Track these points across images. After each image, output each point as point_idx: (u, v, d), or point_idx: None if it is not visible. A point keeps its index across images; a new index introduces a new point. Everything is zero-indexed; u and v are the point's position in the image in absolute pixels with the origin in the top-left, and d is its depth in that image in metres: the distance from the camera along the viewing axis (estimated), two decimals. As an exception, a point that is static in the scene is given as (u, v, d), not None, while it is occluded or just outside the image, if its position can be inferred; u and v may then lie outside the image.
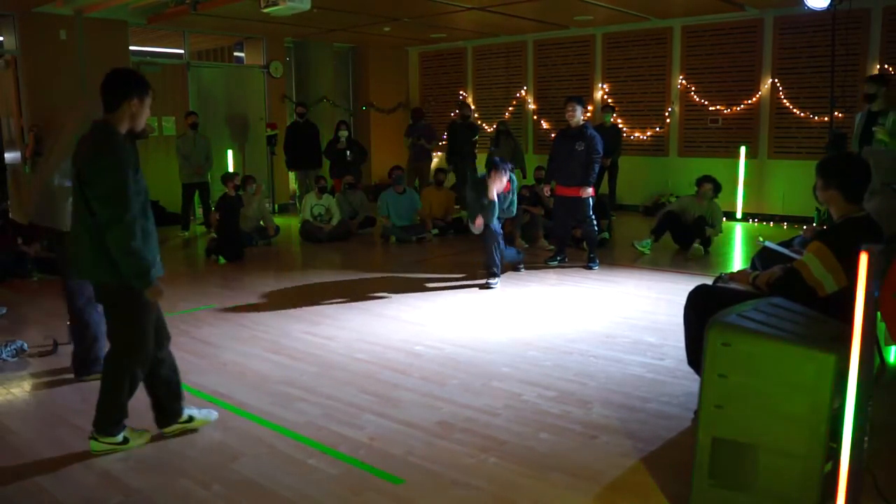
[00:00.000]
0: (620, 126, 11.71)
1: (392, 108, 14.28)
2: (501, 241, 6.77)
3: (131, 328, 3.22)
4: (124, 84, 3.14)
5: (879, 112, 7.37)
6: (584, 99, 7.85)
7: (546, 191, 7.72)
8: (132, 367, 3.26)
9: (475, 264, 7.66)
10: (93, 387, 4.07)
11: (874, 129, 7.14)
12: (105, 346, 4.15)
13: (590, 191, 7.27)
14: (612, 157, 10.66)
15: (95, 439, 3.28)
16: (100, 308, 4.11)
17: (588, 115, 8.70)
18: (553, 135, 8.19)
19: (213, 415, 3.59)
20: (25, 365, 4.58)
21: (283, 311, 5.81)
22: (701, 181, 8.29)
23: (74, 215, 3.19)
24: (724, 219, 8.75)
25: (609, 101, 11.85)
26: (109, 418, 3.29)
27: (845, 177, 3.23)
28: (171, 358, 3.46)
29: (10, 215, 4.23)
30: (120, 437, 3.31)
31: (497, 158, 6.80)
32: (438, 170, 10.79)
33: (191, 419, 3.49)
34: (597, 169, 7.27)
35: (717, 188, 8.27)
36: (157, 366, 3.37)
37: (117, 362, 3.27)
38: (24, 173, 9.40)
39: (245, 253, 8.39)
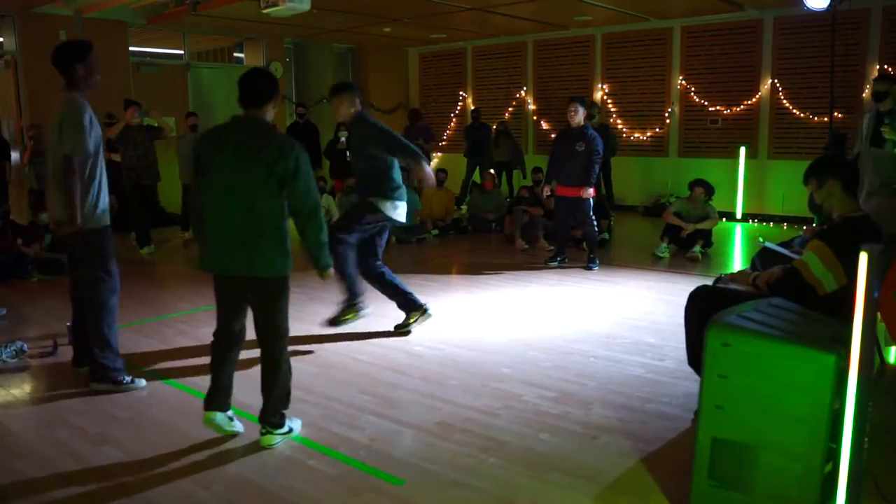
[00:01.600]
0: (617, 126, 11.73)
1: (392, 108, 14.28)
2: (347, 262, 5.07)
3: (285, 316, 3.35)
4: (272, 86, 3.32)
5: (888, 111, 7.34)
6: (586, 100, 7.85)
7: (546, 191, 7.71)
8: (287, 353, 3.39)
9: (476, 264, 7.67)
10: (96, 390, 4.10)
11: (882, 128, 7.12)
12: (115, 357, 4.17)
13: (590, 191, 7.26)
14: (605, 156, 10.65)
15: (270, 433, 3.33)
16: (109, 312, 4.12)
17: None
18: (553, 135, 8.19)
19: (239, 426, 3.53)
20: (25, 365, 4.57)
21: (283, 312, 5.80)
22: (693, 185, 8.29)
23: (242, 214, 3.15)
24: (724, 219, 8.73)
25: (596, 101, 11.81)
26: (282, 407, 3.37)
27: (836, 168, 3.27)
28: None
29: (52, 227, 4.23)
30: (286, 427, 3.39)
31: None
32: (438, 170, 10.79)
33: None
34: (597, 169, 7.27)
35: (710, 191, 8.26)
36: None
37: (281, 352, 3.35)
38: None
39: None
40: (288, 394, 3.40)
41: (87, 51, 3.98)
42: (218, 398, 3.40)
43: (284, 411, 3.39)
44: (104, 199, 4.04)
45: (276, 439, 3.34)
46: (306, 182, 3.15)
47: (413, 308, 5.14)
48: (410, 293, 5.15)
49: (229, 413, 3.43)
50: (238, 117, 3.28)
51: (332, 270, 3.43)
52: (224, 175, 3.16)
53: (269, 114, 3.29)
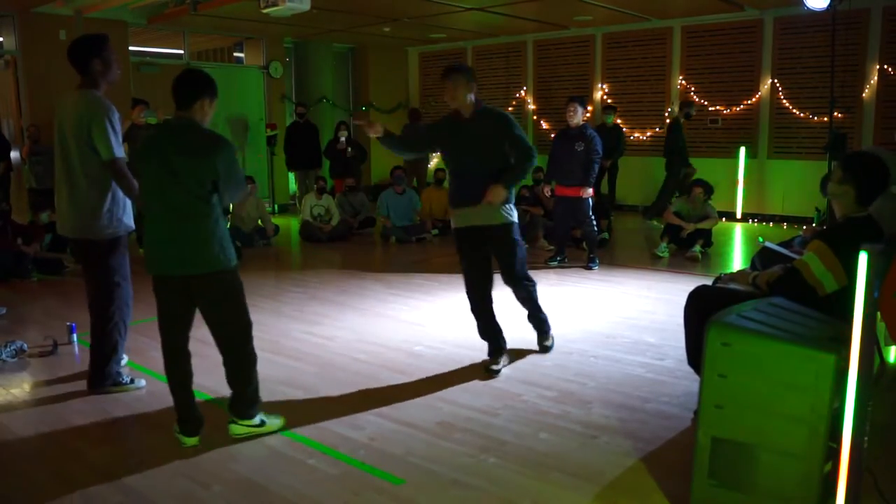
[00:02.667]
0: (622, 126, 11.74)
1: (392, 108, 14.28)
2: None
3: (244, 306, 3.38)
4: (198, 86, 3.28)
5: None
6: (585, 99, 7.85)
7: (546, 191, 7.71)
8: (252, 343, 3.42)
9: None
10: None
11: None
12: (120, 360, 4.16)
13: (590, 191, 7.27)
14: (613, 157, 10.67)
15: (236, 422, 3.40)
16: (126, 318, 4.10)
17: (588, 115, 8.70)
18: (553, 135, 8.19)
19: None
20: (25, 365, 4.57)
21: (282, 311, 5.81)
22: (691, 185, 8.29)
23: (176, 213, 3.18)
24: (724, 219, 8.72)
25: (609, 101, 11.86)
26: (251, 399, 3.41)
27: (865, 176, 3.14)
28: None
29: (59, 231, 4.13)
30: (257, 420, 3.44)
31: None
32: (438, 169, 10.80)
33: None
34: (596, 169, 7.27)
35: (708, 191, 8.26)
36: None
37: (246, 343, 3.38)
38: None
39: (244, 253, 8.39)
40: (258, 386, 3.45)
41: (103, 44, 3.87)
42: (194, 423, 3.39)
43: (257, 404, 3.45)
44: (129, 203, 4.00)
45: (244, 430, 3.41)
46: (233, 177, 3.23)
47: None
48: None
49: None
50: (168, 119, 3.34)
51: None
52: (156, 177, 3.19)
53: (200, 113, 3.26)
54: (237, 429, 3.41)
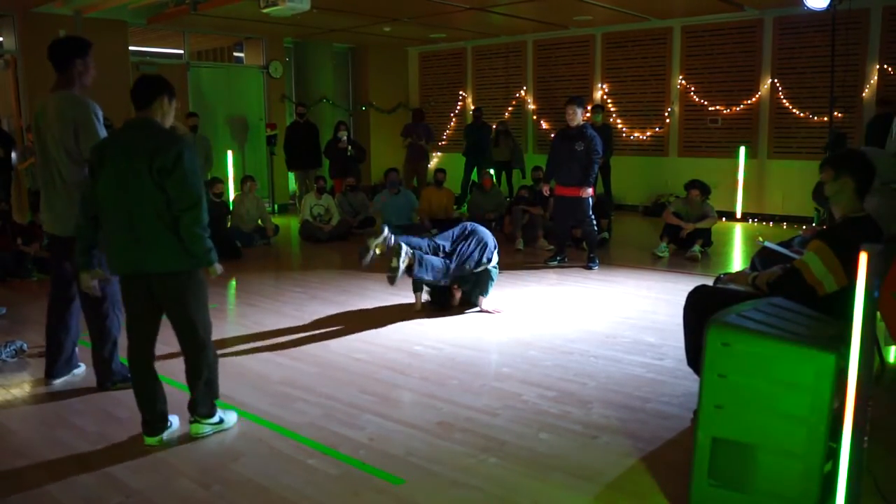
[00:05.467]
0: (617, 125, 11.75)
1: (392, 108, 14.28)
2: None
3: (204, 308, 3.38)
4: (154, 86, 3.30)
5: None
6: (584, 100, 7.85)
7: (545, 191, 7.71)
8: (211, 344, 3.44)
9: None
10: (91, 383, 4.10)
11: None
12: (120, 352, 4.15)
13: (589, 191, 7.27)
14: (605, 157, 10.68)
15: (198, 422, 3.42)
16: (120, 313, 4.09)
17: (587, 115, 8.69)
18: (553, 135, 8.19)
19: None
20: (25, 365, 4.57)
21: (283, 312, 5.81)
22: (688, 187, 8.29)
23: (134, 212, 3.17)
24: (724, 219, 8.72)
25: (598, 101, 11.85)
26: (211, 399, 3.45)
27: (856, 167, 3.18)
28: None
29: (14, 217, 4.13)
30: (217, 418, 3.47)
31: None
32: (438, 170, 10.80)
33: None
34: (596, 169, 7.28)
35: (706, 192, 8.26)
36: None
37: (204, 344, 3.38)
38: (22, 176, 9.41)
39: (243, 253, 8.40)
40: (214, 383, 3.47)
41: (87, 47, 3.91)
42: (160, 423, 3.42)
43: (215, 401, 3.49)
44: None
45: (206, 429, 3.43)
46: (185, 176, 3.13)
47: None
48: None
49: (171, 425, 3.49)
50: (127, 119, 3.33)
51: (217, 267, 3.32)
52: (113, 176, 3.19)
53: (159, 112, 3.27)
54: (198, 427, 3.43)
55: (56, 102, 3.84)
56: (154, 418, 3.39)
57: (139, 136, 3.20)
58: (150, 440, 3.38)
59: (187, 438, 3.44)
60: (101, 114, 3.86)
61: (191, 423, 3.45)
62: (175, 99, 3.35)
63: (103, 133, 3.80)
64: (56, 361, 4.20)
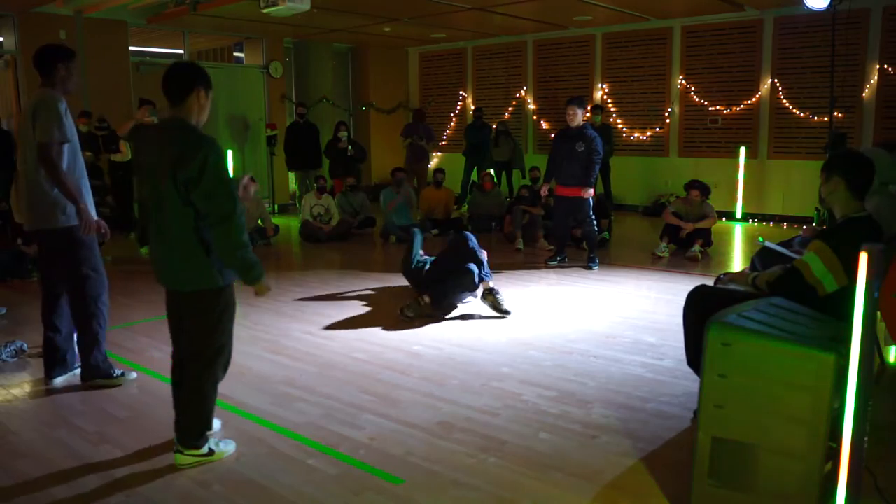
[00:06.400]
0: (617, 125, 11.75)
1: (392, 108, 14.28)
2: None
3: (222, 333, 3.12)
4: (185, 79, 2.99)
5: None
6: (585, 100, 7.85)
7: (544, 191, 7.72)
8: (218, 374, 3.18)
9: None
10: (90, 384, 4.10)
11: None
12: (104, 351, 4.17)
13: (590, 191, 7.27)
14: (604, 157, 10.69)
15: (181, 452, 3.14)
16: (105, 310, 4.10)
17: (588, 115, 8.69)
18: (553, 135, 8.19)
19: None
20: (25, 365, 4.57)
21: (282, 311, 5.81)
22: (688, 188, 8.29)
23: (162, 222, 2.97)
24: (724, 219, 8.72)
25: (598, 101, 11.85)
26: (197, 430, 3.14)
27: (846, 166, 3.21)
28: None
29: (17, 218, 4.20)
30: (205, 449, 3.17)
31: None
32: (437, 170, 10.80)
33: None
34: (597, 170, 7.28)
35: (706, 192, 8.26)
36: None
37: (206, 371, 3.12)
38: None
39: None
40: (208, 416, 3.19)
41: (71, 55, 3.99)
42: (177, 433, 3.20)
43: (208, 433, 3.19)
44: (88, 192, 4.03)
45: (189, 460, 3.13)
46: (214, 184, 2.83)
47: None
48: None
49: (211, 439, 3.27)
50: (162, 119, 3.13)
51: (265, 283, 3.06)
52: (145, 183, 3.03)
53: (195, 108, 2.99)
54: (181, 458, 3.14)
55: (32, 98, 3.94)
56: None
57: (166, 140, 2.93)
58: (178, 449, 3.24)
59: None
60: (64, 104, 3.88)
61: (174, 451, 3.17)
62: (212, 90, 3.05)
63: (55, 123, 3.77)
64: (53, 360, 4.22)
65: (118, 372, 4.17)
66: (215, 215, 2.86)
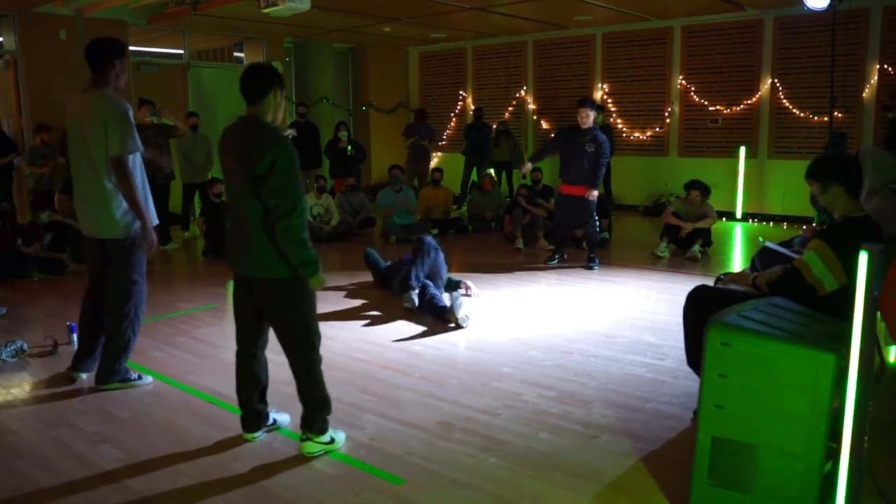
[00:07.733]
0: (617, 125, 11.76)
1: (392, 108, 14.28)
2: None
3: (310, 317, 3.25)
4: (262, 81, 3.12)
5: None
6: (595, 102, 7.86)
7: (524, 169, 7.75)
8: (318, 355, 3.30)
9: (476, 264, 7.67)
10: (92, 383, 4.10)
11: None
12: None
13: (595, 193, 7.25)
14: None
15: (310, 440, 3.25)
16: (141, 316, 4.11)
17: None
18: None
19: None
20: (25, 365, 4.57)
21: (283, 311, 5.80)
22: (688, 188, 8.29)
23: (239, 214, 3.13)
24: (724, 219, 8.71)
25: (598, 101, 11.85)
26: (322, 414, 3.27)
27: (840, 172, 3.22)
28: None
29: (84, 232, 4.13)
30: (328, 437, 3.28)
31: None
32: (434, 169, 10.80)
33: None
34: (603, 172, 7.29)
35: (706, 192, 8.27)
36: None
37: (309, 356, 3.26)
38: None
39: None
40: (325, 399, 3.30)
41: (125, 50, 3.90)
42: (247, 419, 3.42)
43: (328, 417, 3.30)
44: (150, 199, 4.01)
45: (316, 447, 3.25)
46: (281, 183, 2.98)
47: None
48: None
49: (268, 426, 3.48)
50: (240, 116, 3.23)
51: (321, 278, 3.16)
52: (225, 176, 3.22)
53: (272, 107, 3.14)
54: (309, 446, 3.26)
55: (91, 100, 3.81)
56: (248, 414, 3.40)
57: (242, 137, 3.08)
58: (247, 436, 3.40)
59: (187, 438, 3.44)
60: (131, 113, 3.84)
61: (301, 440, 3.29)
62: (285, 89, 3.21)
63: (129, 135, 3.77)
64: (87, 354, 4.23)
65: (135, 375, 4.16)
66: (279, 211, 3.00)
